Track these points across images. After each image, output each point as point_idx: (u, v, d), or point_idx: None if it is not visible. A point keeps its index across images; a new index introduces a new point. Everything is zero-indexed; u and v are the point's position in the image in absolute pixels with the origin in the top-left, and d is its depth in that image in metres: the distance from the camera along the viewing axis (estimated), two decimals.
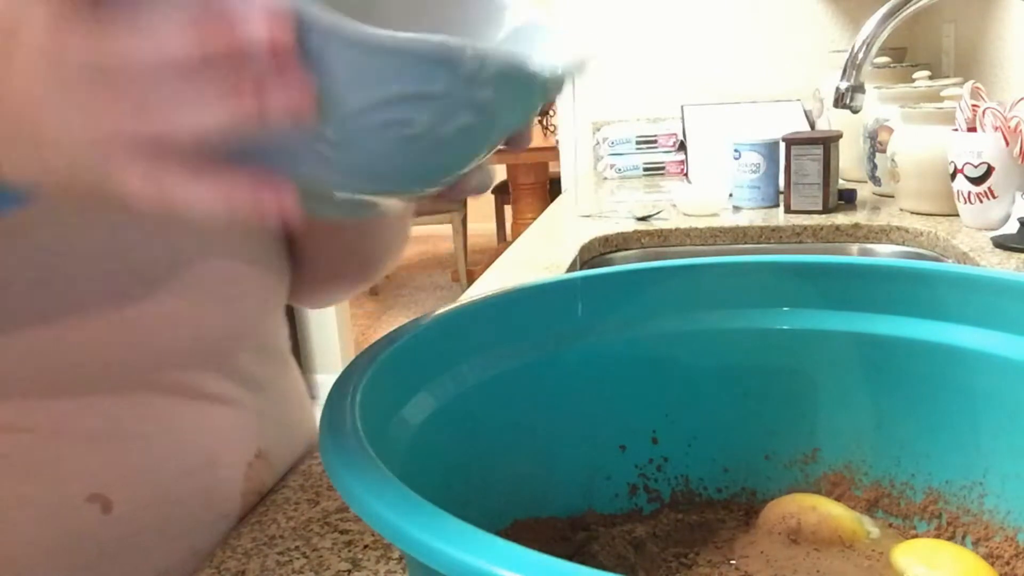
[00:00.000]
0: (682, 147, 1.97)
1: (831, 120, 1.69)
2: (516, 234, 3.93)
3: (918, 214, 1.35)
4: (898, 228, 1.31)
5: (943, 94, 1.29)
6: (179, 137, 0.28)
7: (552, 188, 4.02)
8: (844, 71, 1.12)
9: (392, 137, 0.29)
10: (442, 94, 0.28)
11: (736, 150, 1.51)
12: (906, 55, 1.86)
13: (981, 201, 1.19)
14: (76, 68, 0.27)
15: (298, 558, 0.51)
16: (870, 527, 0.46)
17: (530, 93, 0.32)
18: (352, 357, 0.40)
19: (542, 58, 0.31)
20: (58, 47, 0.27)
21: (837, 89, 1.13)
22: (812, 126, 1.85)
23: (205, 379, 0.54)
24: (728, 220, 1.41)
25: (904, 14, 1.07)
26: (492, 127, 0.31)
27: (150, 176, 0.28)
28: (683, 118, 1.96)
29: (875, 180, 1.52)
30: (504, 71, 0.29)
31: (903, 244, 1.31)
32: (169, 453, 0.52)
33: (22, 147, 0.30)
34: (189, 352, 0.53)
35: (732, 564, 0.44)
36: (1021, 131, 1.12)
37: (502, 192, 4.48)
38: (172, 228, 0.51)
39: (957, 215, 1.27)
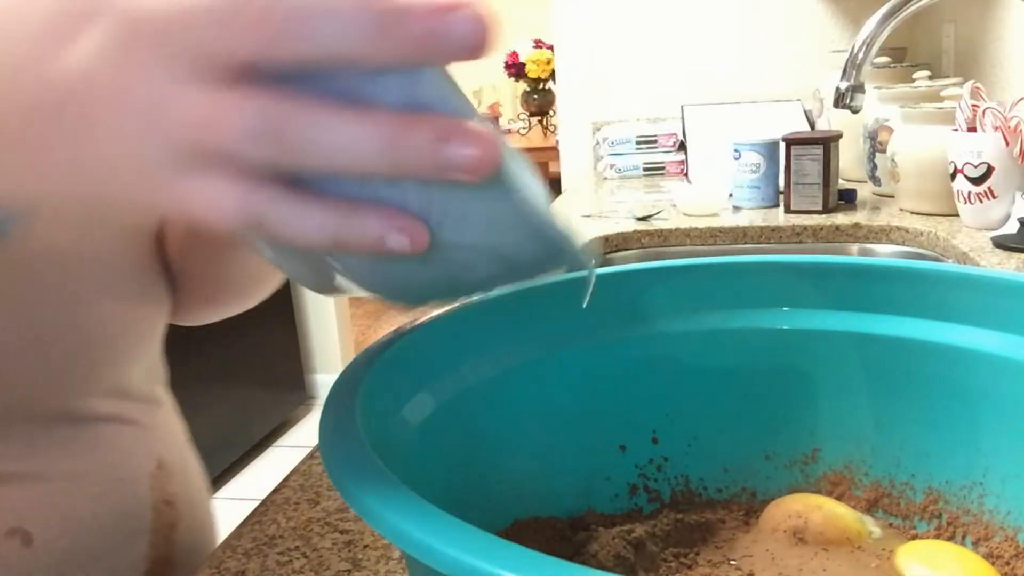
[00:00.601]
0: (682, 147, 1.97)
1: (831, 120, 1.69)
2: None
3: (918, 214, 1.35)
4: (898, 228, 1.31)
5: (943, 94, 1.29)
6: (306, 163, 0.24)
7: (552, 188, 4.02)
8: (844, 71, 1.12)
9: (454, 272, 0.28)
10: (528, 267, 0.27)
11: (736, 150, 1.51)
12: (906, 55, 1.86)
13: (981, 201, 1.19)
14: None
15: (298, 558, 0.51)
16: (872, 527, 0.46)
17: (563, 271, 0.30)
18: (352, 357, 0.40)
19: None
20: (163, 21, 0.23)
21: (837, 89, 1.13)
22: (812, 126, 1.85)
23: (104, 403, 0.55)
24: (728, 220, 1.41)
25: (904, 14, 1.07)
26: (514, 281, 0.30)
27: (247, 198, 0.24)
28: (683, 118, 1.97)
29: (875, 180, 1.52)
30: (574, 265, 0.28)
31: (903, 244, 1.31)
32: (77, 479, 0.52)
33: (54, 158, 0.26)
34: (88, 381, 0.54)
35: (732, 564, 0.44)
36: (1021, 131, 1.12)
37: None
38: (68, 277, 0.51)
39: (957, 215, 1.27)
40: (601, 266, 0.43)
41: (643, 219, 1.45)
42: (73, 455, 0.52)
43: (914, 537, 0.46)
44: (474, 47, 0.23)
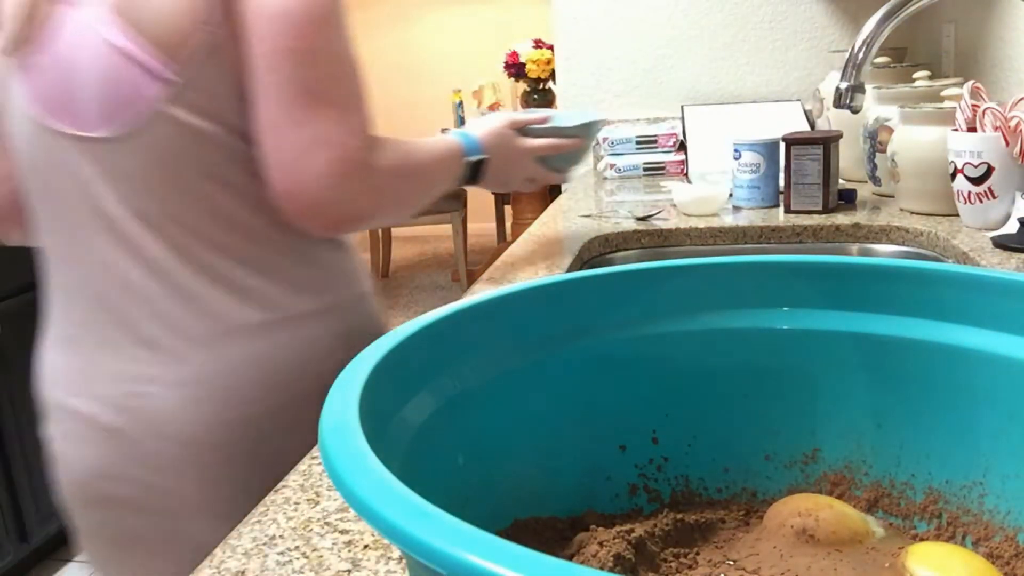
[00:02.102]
0: (682, 147, 1.97)
1: (831, 120, 1.69)
2: (516, 234, 3.92)
3: (918, 214, 1.35)
4: (898, 228, 1.31)
5: (943, 94, 1.29)
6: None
7: (552, 188, 4.02)
8: (844, 71, 1.12)
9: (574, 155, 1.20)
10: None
11: (736, 150, 1.51)
12: (906, 55, 1.86)
13: (981, 201, 1.19)
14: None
15: (298, 558, 0.51)
16: (876, 527, 0.46)
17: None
18: None
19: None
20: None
21: (837, 89, 1.13)
22: (812, 126, 1.85)
23: None
24: (728, 220, 1.41)
25: (904, 14, 1.07)
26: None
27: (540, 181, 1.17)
28: (683, 118, 1.97)
29: (875, 180, 1.52)
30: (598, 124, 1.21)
31: (903, 244, 1.31)
32: None
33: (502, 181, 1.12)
34: None
35: (732, 564, 0.44)
36: (1021, 131, 1.12)
37: (502, 192, 4.48)
38: None
39: (957, 215, 1.27)
40: (600, 266, 0.44)
41: (643, 219, 1.45)
42: None
43: (915, 537, 0.46)
44: None
